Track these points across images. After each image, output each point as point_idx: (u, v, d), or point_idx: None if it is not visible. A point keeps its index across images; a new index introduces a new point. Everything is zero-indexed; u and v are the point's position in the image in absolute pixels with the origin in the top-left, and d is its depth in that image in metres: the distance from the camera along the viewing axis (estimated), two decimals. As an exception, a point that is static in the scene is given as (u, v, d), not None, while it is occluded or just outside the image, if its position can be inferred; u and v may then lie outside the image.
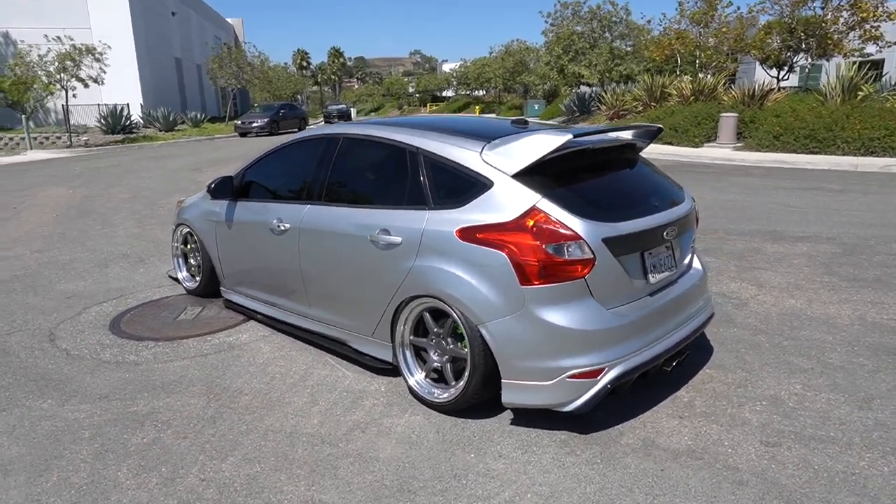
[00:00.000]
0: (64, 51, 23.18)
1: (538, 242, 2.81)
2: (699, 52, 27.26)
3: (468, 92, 70.36)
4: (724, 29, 25.44)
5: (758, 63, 26.67)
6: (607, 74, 28.42)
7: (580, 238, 2.84)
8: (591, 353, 2.86)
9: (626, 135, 3.74)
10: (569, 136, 2.94)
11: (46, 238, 7.53)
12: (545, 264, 2.81)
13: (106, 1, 30.28)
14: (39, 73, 23.24)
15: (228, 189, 4.47)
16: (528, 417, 3.12)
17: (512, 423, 3.11)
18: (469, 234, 2.99)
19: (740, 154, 15.21)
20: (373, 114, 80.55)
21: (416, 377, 3.36)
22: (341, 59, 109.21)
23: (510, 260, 2.85)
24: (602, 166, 3.40)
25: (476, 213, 3.02)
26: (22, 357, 4.04)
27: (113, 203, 10.05)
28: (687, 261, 3.65)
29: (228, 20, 57.70)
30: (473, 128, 3.55)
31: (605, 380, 2.87)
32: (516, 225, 2.89)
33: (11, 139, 24.80)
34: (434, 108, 75.75)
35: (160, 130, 28.56)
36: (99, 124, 26.86)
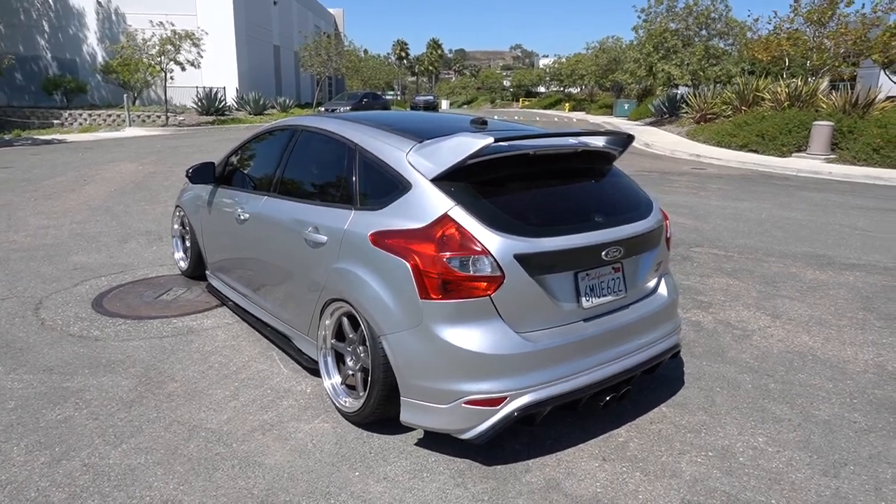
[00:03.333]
0: (165, 36, 24.76)
1: (441, 254, 2.59)
2: (811, 54, 25.13)
3: (561, 88, 68.89)
4: (842, 30, 23.17)
5: (881, 68, 24.18)
6: (700, 74, 26.80)
7: (488, 253, 2.59)
8: (491, 380, 2.61)
9: (598, 141, 3.41)
10: (488, 141, 2.67)
11: (92, 210, 8.02)
12: (446, 279, 2.58)
13: (211, -11, 32.04)
14: (143, 56, 24.99)
15: (208, 175, 4.51)
16: (437, 439, 2.91)
17: (417, 444, 2.91)
18: (380, 238, 2.81)
19: (830, 167, 13.85)
20: (465, 106, 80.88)
21: (333, 381, 3.23)
22: (439, 51, 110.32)
23: (412, 270, 2.64)
24: (548, 174, 3.09)
25: (391, 218, 2.84)
26: (2, 323, 4.27)
27: (170, 181, 10.57)
28: (650, 284, 3.27)
29: (330, 10, 59.60)
30: (418, 126, 3.36)
31: (506, 410, 2.61)
32: (424, 234, 2.67)
33: (119, 116, 26.87)
34: (526, 103, 74.97)
35: (250, 114, 29.95)
36: (195, 105, 28.54)
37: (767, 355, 3.97)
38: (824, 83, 23.06)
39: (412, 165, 2.88)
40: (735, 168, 14.44)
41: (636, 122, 31.93)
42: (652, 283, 3.29)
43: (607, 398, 2.94)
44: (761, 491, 2.62)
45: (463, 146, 2.74)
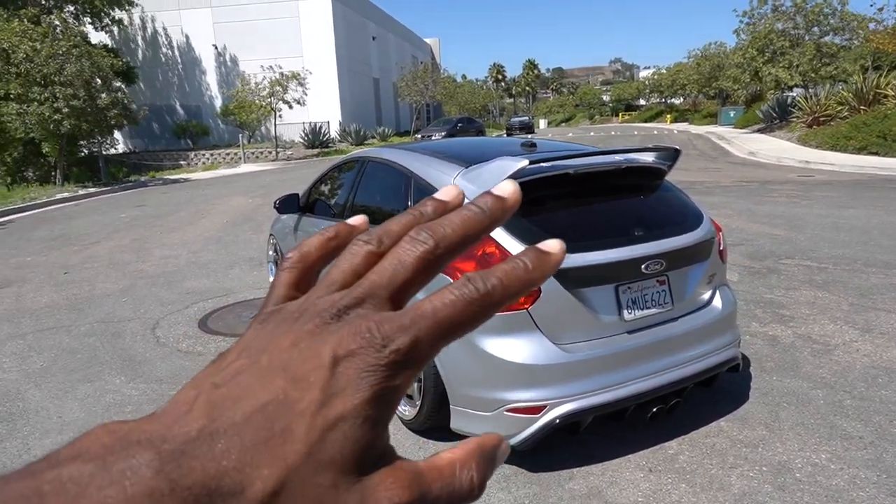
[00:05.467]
0: (274, 78, 26.87)
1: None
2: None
3: (662, 100, 66.72)
4: None
5: None
6: (812, 75, 25.03)
7: (524, 268, 2.75)
8: (531, 389, 2.75)
9: (646, 157, 3.48)
10: (524, 163, 2.85)
11: (206, 240, 8.94)
12: (485, 293, 2.77)
13: (315, 31, 34.37)
14: (255, 99, 27.25)
15: (293, 205, 4.99)
16: (487, 447, 3.07)
17: (468, 450, 3.08)
18: (429, 258, 3.05)
19: (964, 167, 12.48)
20: (563, 124, 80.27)
21: (394, 393, 3.48)
22: (535, 71, 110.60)
23: (456, 286, 2.85)
24: (590, 192, 3.21)
25: (439, 238, 3.07)
26: (127, 340, 4.95)
27: (273, 212, 11.49)
28: (703, 297, 3.27)
29: (426, 40, 61.78)
30: (469, 152, 3.59)
31: (546, 418, 2.73)
32: (467, 252, 2.88)
33: (236, 154, 29.38)
34: (626, 117, 73.23)
35: (351, 144, 31.62)
36: (302, 140, 30.61)
37: (848, 371, 3.77)
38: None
39: (458, 189, 3.11)
40: (848, 173, 13.38)
41: (743, 130, 30.31)
42: (705, 296, 3.28)
43: (654, 409, 2.97)
44: (814, 507, 2.55)
45: (502, 169, 2.93)
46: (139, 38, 35.27)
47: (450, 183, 2.88)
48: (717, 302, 3.30)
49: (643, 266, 2.92)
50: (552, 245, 0.29)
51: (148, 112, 25.74)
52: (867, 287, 5.28)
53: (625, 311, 2.92)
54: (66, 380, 4.24)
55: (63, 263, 8.03)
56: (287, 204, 4.99)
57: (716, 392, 3.49)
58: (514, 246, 2.80)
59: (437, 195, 0.32)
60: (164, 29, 34.82)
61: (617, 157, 3.39)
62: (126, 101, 21.41)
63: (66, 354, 4.72)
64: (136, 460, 0.23)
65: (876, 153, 15.60)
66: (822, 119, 20.52)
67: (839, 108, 19.95)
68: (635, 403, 2.88)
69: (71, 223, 11.91)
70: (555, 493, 2.73)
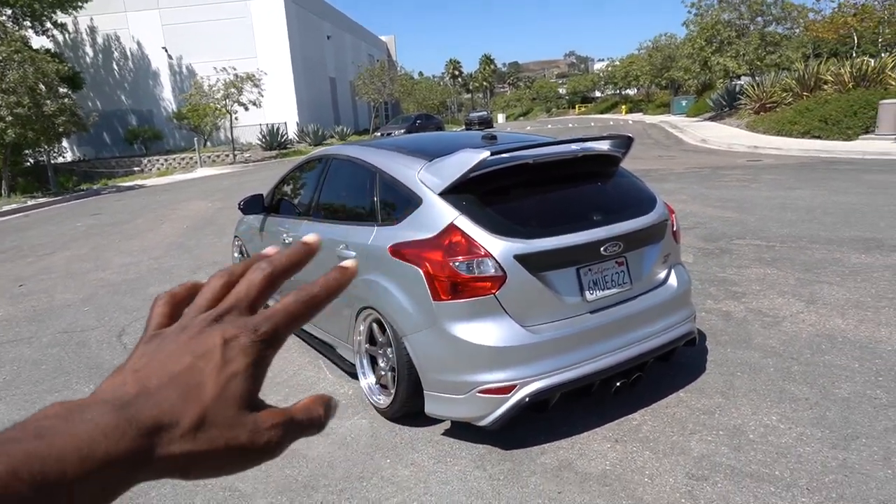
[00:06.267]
0: (228, 80, 26.41)
1: (448, 259, 2.89)
2: (883, 27, 23.99)
3: (617, 91, 68.04)
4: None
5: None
6: (758, 63, 25.93)
7: (490, 255, 2.87)
8: (501, 370, 2.87)
9: (602, 145, 3.64)
10: (485, 154, 2.97)
11: (168, 246, 8.82)
12: (454, 281, 2.88)
13: (268, 32, 33.88)
14: (209, 101, 26.73)
15: (258, 206, 5.01)
16: (461, 429, 3.19)
17: (443, 434, 3.19)
18: (397, 249, 3.15)
19: (899, 147, 13.16)
20: (521, 118, 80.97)
21: (368, 381, 3.57)
22: (492, 66, 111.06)
23: (425, 276, 2.96)
24: (549, 180, 3.35)
25: (407, 230, 3.17)
26: (93, 349, 4.89)
27: (235, 215, 11.34)
28: (659, 275, 3.45)
29: (382, 38, 61.47)
30: (431, 146, 3.69)
31: (517, 397, 2.86)
32: (434, 242, 2.99)
33: (191, 158, 28.79)
34: (583, 109, 74.33)
35: (310, 145, 31.33)
36: (260, 142, 30.18)
37: (795, 340, 4.02)
38: (888, 59, 21.94)
39: (423, 182, 3.21)
40: (794, 157, 13.97)
41: (694, 119, 31.17)
42: (661, 275, 3.46)
43: (618, 384, 3.13)
44: (766, 464, 2.74)
45: (464, 161, 3.04)
46: (86, 44, 34.17)
47: (414, 176, 2.98)
48: (673, 280, 3.49)
49: (602, 248, 3.07)
50: (349, 263, 0.43)
51: (98, 118, 24.99)
52: (811, 262, 5.59)
53: (587, 292, 3.07)
54: (33, 391, 4.18)
55: (17, 276, 7.82)
56: (251, 205, 5.00)
57: (674, 365, 3.69)
58: (479, 234, 2.91)
59: (263, 251, 0.44)
60: (112, 32, 33.81)
61: (574, 146, 3.54)
62: (74, 108, 20.75)
63: (29, 366, 4.65)
64: (97, 409, 0.32)
65: (818, 137, 16.30)
66: (768, 106, 21.28)
67: (784, 95, 20.72)
68: (600, 379, 3.04)
69: (22, 235, 11.56)
70: (527, 467, 2.86)
